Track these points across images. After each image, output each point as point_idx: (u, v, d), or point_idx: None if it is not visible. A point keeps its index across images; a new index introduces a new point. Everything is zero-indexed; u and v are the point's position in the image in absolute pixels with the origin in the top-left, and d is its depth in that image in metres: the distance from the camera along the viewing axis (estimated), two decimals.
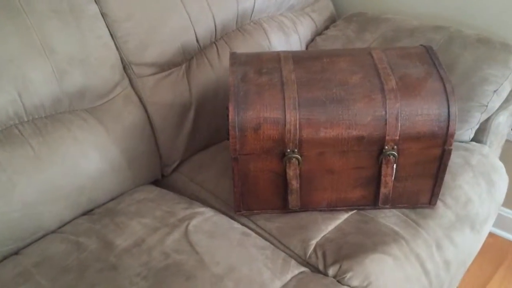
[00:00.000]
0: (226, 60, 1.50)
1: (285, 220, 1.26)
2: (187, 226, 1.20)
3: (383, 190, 1.22)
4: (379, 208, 1.27)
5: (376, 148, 1.15)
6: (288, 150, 1.14)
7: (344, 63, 1.20)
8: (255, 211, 1.28)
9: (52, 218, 1.20)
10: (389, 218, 1.25)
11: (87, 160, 1.24)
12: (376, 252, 1.15)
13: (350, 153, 1.17)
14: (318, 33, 1.80)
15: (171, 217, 1.23)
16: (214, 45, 1.52)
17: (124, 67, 1.36)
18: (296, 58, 1.23)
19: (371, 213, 1.27)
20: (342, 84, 1.15)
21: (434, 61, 1.20)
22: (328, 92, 1.14)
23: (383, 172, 1.18)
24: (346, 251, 1.16)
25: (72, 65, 1.22)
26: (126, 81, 1.36)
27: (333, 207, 1.27)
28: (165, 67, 1.41)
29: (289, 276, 1.11)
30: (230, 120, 1.12)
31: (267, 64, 1.22)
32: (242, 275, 1.07)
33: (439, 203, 1.29)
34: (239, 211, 1.28)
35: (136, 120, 1.36)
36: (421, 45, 1.28)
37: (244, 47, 1.55)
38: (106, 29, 1.30)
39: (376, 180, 1.21)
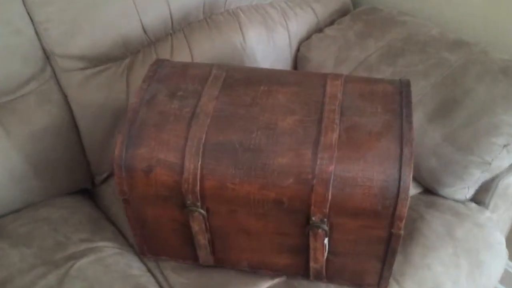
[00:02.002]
0: (180, 57, 1.24)
1: (196, 275, 1.03)
2: (70, 268, 1.00)
3: (313, 264, 0.95)
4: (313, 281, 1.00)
5: (301, 217, 0.87)
6: (189, 202, 0.89)
7: (284, 96, 0.92)
8: (163, 257, 1.05)
9: None
10: None
11: None
12: None
13: (269, 217, 0.90)
14: (320, 29, 1.47)
15: (60, 251, 1.04)
16: (169, 37, 1.26)
17: (48, 58, 1.14)
18: (229, 79, 0.96)
19: (303, 284, 1.00)
20: (268, 127, 0.87)
21: (403, 109, 0.88)
22: (246, 137, 0.86)
23: (311, 246, 0.91)
24: None
25: None
26: (47, 75, 1.15)
27: (257, 269, 1.01)
28: (97, 61, 1.18)
29: None
30: (115, 156, 0.88)
31: (189, 83, 0.95)
32: None
33: (394, 285, 1.00)
34: (144, 254, 1.06)
35: (53, 122, 1.15)
36: (400, 80, 0.96)
37: (207, 43, 1.29)
38: (24, 12, 1.08)
39: (306, 250, 0.94)
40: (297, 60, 1.44)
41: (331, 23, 1.49)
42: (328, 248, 0.92)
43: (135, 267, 1.04)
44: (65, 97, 1.17)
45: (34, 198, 1.17)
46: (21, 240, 1.05)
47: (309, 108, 0.89)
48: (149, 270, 1.06)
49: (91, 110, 1.19)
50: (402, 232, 0.85)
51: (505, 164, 1.09)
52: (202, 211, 0.90)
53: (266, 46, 1.36)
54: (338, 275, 0.98)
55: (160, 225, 0.97)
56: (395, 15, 1.40)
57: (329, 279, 0.99)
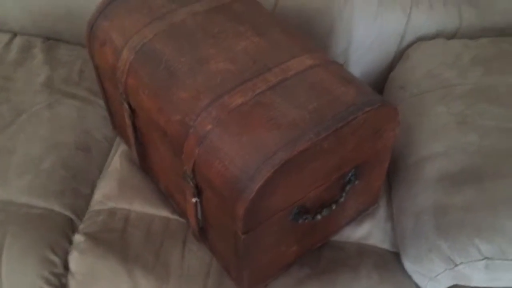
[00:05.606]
0: None
1: (128, 169, 1.06)
2: (54, 101, 1.13)
3: (190, 219, 0.90)
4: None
5: (180, 159, 0.82)
6: (120, 91, 0.91)
7: (247, 45, 0.84)
8: (123, 140, 1.11)
9: None
10: (191, 258, 0.93)
11: None
12: None
13: (163, 146, 0.87)
14: (453, 35, 1.22)
15: (66, 85, 1.18)
16: None
17: None
18: (231, 7, 0.90)
19: (190, 239, 0.96)
20: (199, 61, 0.82)
21: (331, 121, 0.72)
22: (175, 57, 0.83)
23: (186, 197, 0.86)
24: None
25: None
26: None
27: (169, 197, 1.00)
28: None
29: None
30: (90, 17, 0.94)
31: None
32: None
33: None
34: (114, 128, 1.13)
35: None
36: (375, 101, 0.77)
37: None
38: None
39: None
40: (403, 55, 1.23)
41: (478, 36, 1.21)
42: (203, 214, 0.85)
43: (102, 132, 1.12)
44: None
45: None
46: (57, 64, 1.22)
47: (253, 66, 0.80)
48: (111, 142, 1.12)
49: None
50: (242, 235, 0.73)
51: (478, 279, 0.81)
52: (127, 105, 0.91)
53: (370, 20, 1.19)
54: (214, 249, 0.91)
55: (115, 103, 1.01)
56: None
57: (211, 250, 0.92)
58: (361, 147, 0.79)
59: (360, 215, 0.98)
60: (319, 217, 0.81)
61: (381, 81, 1.26)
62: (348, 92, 0.76)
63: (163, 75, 0.81)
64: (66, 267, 0.93)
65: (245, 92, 0.76)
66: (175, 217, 0.98)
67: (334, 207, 0.83)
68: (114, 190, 1.02)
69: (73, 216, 0.99)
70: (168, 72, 0.81)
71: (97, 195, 1.02)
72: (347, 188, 0.83)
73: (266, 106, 0.74)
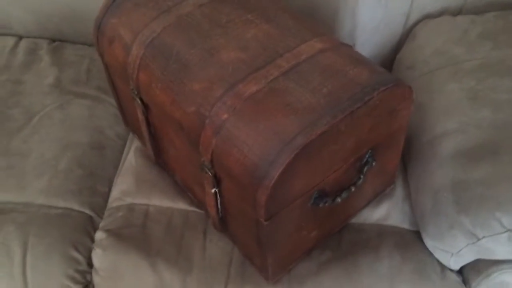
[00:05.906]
0: None
1: (143, 164, 1.07)
2: (65, 102, 1.14)
3: (209, 210, 0.90)
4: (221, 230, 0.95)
5: (197, 150, 0.82)
6: (131, 87, 0.92)
7: (256, 33, 0.84)
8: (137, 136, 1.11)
9: None
10: (213, 248, 0.94)
11: None
12: None
13: (179, 138, 0.87)
14: (459, 12, 1.21)
15: (76, 86, 1.18)
16: None
17: None
18: None
19: (210, 230, 0.96)
20: (209, 52, 0.82)
21: (345, 102, 0.72)
22: (186, 49, 0.83)
23: (205, 188, 0.86)
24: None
25: None
26: None
27: (187, 189, 1.01)
28: None
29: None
30: (96, 16, 0.94)
31: None
32: None
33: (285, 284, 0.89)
34: (126, 125, 1.13)
35: None
36: (389, 79, 0.77)
37: None
38: None
39: None
40: (409, 34, 1.23)
41: (483, 11, 1.20)
42: (222, 204, 0.85)
43: (114, 130, 1.13)
44: None
45: None
46: (64, 65, 1.22)
47: (264, 53, 0.80)
48: (124, 139, 1.13)
49: None
50: (264, 221, 0.74)
51: (501, 251, 0.81)
52: (139, 100, 0.91)
53: (375, 1, 1.19)
54: (235, 238, 0.91)
55: (126, 100, 1.02)
56: None
57: (232, 239, 0.93)
58: (377, 127, 0.79)
59: (377, 196, 0.98)
60: (338, 200, 0.81)
61: (389, 63, 1.26)
62: (361, 73, 0.76)
63: (175, 68, 0.81)
64: (89, 264, 0.94)
65: (259, 79, 0.76)
66: (194, 209, 0.99)
67: (353, 189, 0.83)
68: (131, 186, 1.03)
69: (92, 214, 0.99)
70: (179, 65, 0.81)
71: (115, 192, 1.03)
72: (365, 169, 0.83)
73: (280, 92, 0.74)
